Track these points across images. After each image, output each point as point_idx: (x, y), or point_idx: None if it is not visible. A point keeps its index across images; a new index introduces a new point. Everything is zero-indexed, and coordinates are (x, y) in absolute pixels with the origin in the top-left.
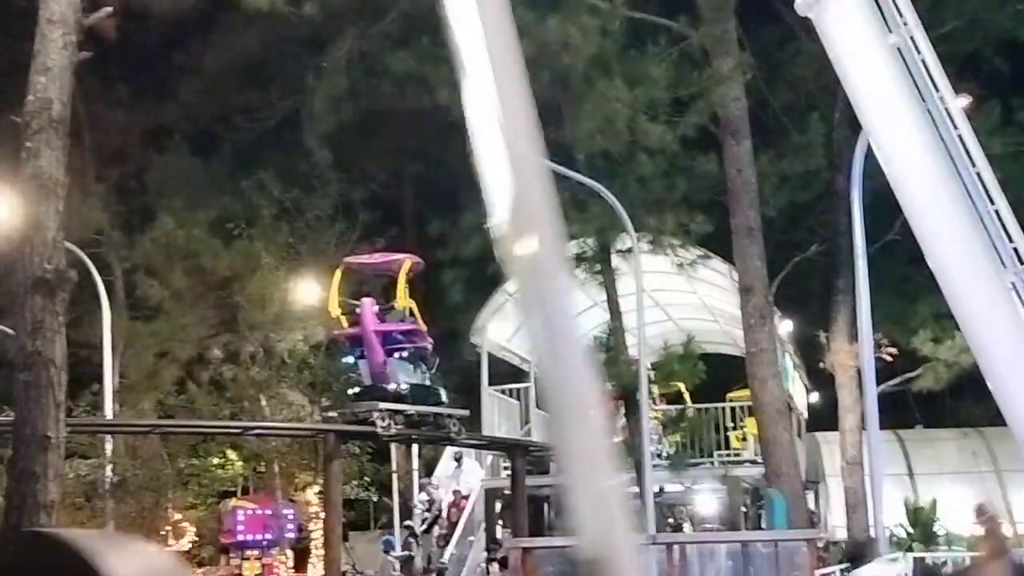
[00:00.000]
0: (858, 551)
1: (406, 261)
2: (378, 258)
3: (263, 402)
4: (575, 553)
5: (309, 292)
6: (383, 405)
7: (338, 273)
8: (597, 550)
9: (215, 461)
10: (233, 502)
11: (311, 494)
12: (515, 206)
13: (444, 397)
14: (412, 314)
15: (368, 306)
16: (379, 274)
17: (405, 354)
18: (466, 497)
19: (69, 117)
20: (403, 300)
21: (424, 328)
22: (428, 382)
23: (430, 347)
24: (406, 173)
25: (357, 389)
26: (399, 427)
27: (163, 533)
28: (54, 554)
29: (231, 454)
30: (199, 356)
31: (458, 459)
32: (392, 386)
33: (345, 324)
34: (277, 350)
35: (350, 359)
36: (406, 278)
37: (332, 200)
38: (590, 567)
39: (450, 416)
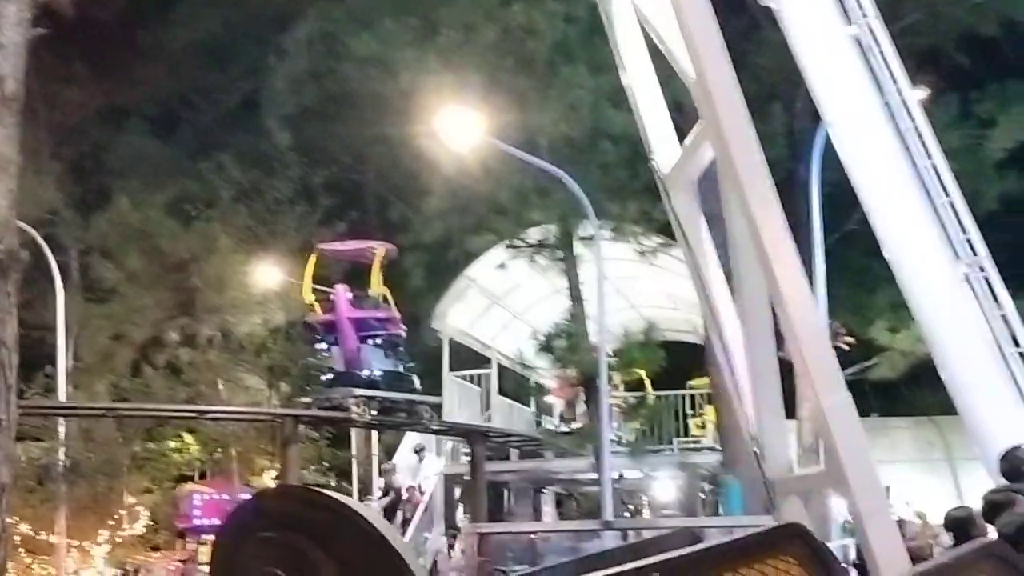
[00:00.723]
0: None
1: (380, 248)
2: (352, 244)
3: (220, 386)
4: None
5: (268, 276)
6: (358, 391)
7: (311, 259)
8: None
9: (171, 445)
10: (189, 487)
11: (269, 479)
12: None
13: (417, 384)
14: (386, 301)
15: (342, 293)
16: (352, 260)
17: (379, 341)
18: (422, 492)
19: (23, 95)
20: (377, 287)
21: (398, 315)
22: (401, 369)
23: (403, 334)
24: (368, 157)
25: (330, 375)
26: (373, 414)
27: (117, 517)
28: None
29: (187, 438)
30: (155, 339)
31: (419, 452)
32: (365, 373)
33: (319, 310)
34: (235, 334)
35: (323, 345)
36: (380, 265)
37: (292, 183)
38: None
39: (422, 403)
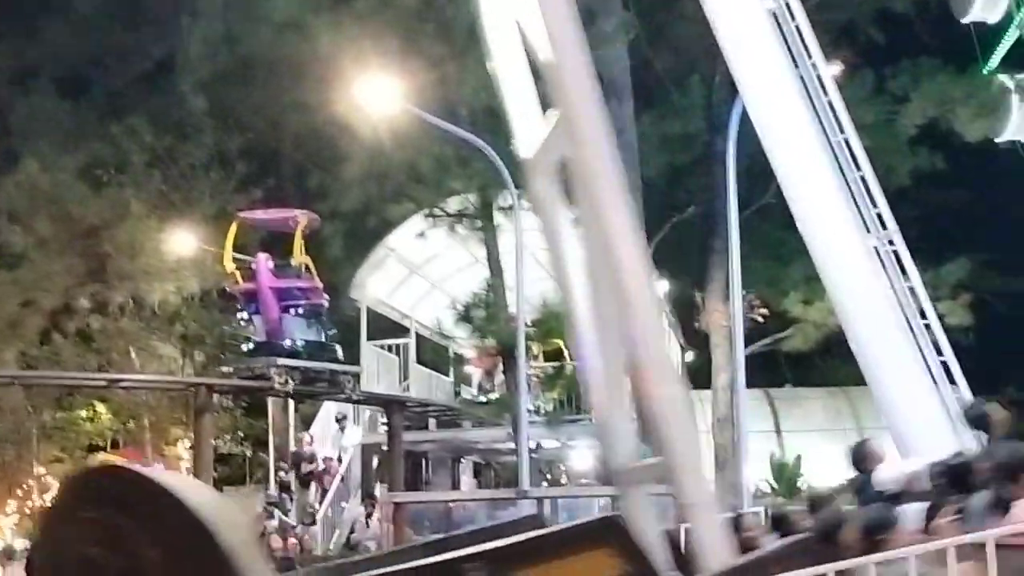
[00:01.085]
0: None
1: (303, 217)
2: (273, 213)
3: (133, 354)
4: None
5: (182, 242)
6: (280, 361)
7: (232, 228)
8: None
9: (82, 414)
10: (101, 456)
11: (182, 448)
12: None
13: (339, 354)
14: (308, 270)
15: (263, 262)
16: (274, 229)
17: (300, 311)
18: (340, 462)
19: None
20: (299, 256)
21: (320, 285)
22: (323, 339)
23: (325, 304)
24: (285, 123)
25: (252, 345)
26: (295, 383)
27: (26, 488)
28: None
29: (99, 407)
30: (65, 306)
31: (340, 421)
32: (287, 342)
33: (239, 279)
34: (148, 301)
35: (244, 315)
36: (302, 234)
37: (207, 149)
38: None
39: (345, 373)
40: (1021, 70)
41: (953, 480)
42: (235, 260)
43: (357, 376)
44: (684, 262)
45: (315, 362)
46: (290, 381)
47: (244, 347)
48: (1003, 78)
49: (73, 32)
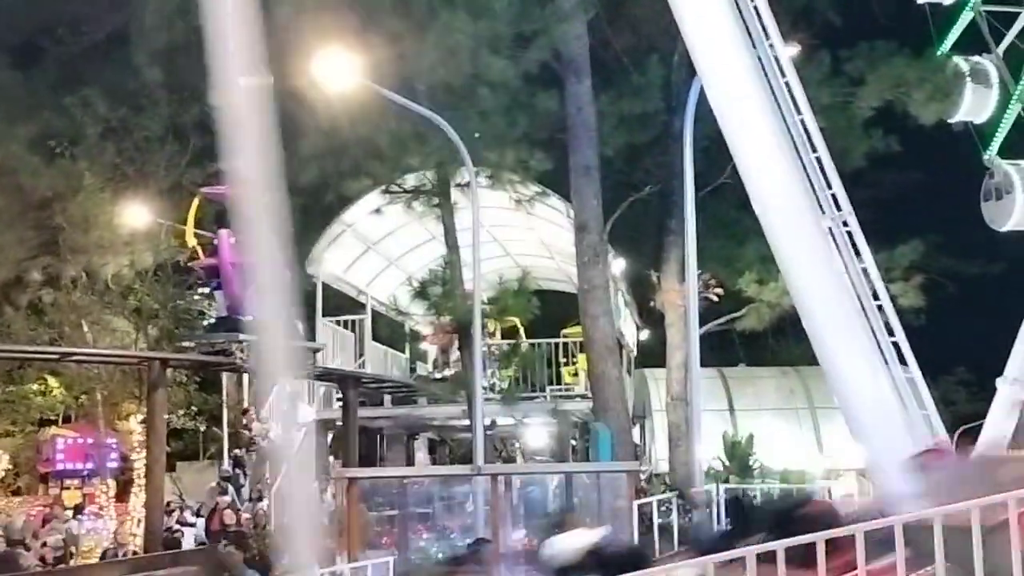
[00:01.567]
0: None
1: None
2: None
3: (85, 328)
4: None
5: (136, 216)
6: (243, 336)
7: (194, 203)
8: None
9: (34, 388)
10: (53, 430)
11: (135, 423)
12: None
13: (300, 330)
14: None
15: (225, 237)
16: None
17: None
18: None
19: None
20: None
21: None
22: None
23: (288, 280)
24: None
25: (213, 320)
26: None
27: None
28: None
29: (51, 381)
30: (17, 279)
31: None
32: (249, 318)
33: (200, 254)
34: (101, 275)
35: (206, 290)
36: None
37: (162, 121)
38: None
39: (304, 349)
40: (974, 53)
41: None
42: (196, 236)
43: (316, 352)
44: (640, 241)
45: None
46: (251, 356)
47: (203, 322)
48: (957, 60)
49: (26, 1)
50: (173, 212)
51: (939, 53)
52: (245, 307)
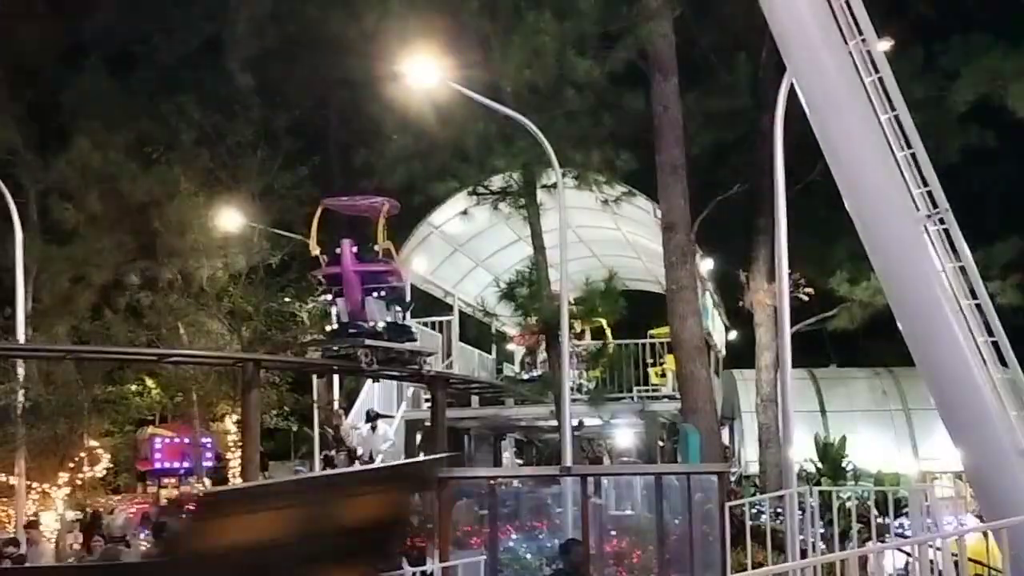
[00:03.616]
0: None
1: (386, 204)
2: (359, 199)
3: (181, 330)
4: None
5: (230, 220)
6: (368, 342)
7: (318, 213)
8: None
9: (132, 388)
10: (150, 430)
11: (230, 423)
12: None
13: (416, 335)
14: (390, 255)
15: (348, 247)
16: (357, 215)
17: (382, 294)
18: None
19: None
20: (382, 241)
21: (401, 269)
22: (402, 321)
23: (407, 287)
24: (331, 100)
25: (336, 326)
26: (379, 363)
27: (77, 460)
28: None
29: (148, 381)
30: (115, 282)
31: (373, 419)
32: (370, 324)
33: (323, 262)
34: (196, 278)
35: (327, 297)
36: (385, 220)
37: (254, 126)
38: None
39: (419, 353)
40: None
41: None
42: (319, 244)
43: (429, 355)
44: (728, 241)
45: (394, 343)
46: (374, 361)
47: (293, 324)
48: None
49: (122, 10)
50: (265, 216)
51: None
52: (366, 313)
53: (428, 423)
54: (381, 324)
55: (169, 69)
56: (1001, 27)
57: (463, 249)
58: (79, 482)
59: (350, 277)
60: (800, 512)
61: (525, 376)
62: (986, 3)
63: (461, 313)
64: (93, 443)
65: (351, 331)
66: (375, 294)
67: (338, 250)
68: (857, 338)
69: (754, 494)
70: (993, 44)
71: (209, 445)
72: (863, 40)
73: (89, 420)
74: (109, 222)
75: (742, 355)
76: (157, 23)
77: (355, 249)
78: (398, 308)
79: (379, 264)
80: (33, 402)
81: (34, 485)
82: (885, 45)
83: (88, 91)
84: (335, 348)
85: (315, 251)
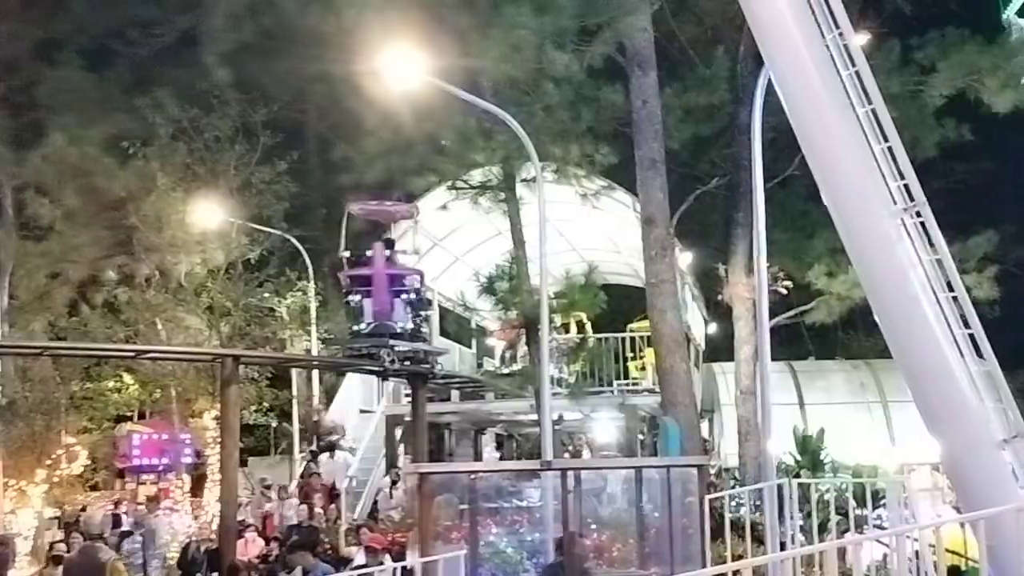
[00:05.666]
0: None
1: (416, 209)
2: (388, 205)
3: (159, 326)
4: None
5: (207, 214)
6: (392, 342)
7: (344, 218)
8: None
9: (110, 385)
10: (129, 426)
11: (209, 419)
12: None
13: (429, 336)
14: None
15: (380, 250)
16: (384, 220)
17: (407, 296)
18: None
19: None
20: (415, 245)
21: (422, 271)
22: (419, 322)
23: (425, 289)
24: (309, 95)
25: (363, 326)
26: (399, 363)
27: (55, 457)
28: None
29: (127, 378)
30: (93, 278)
31: (329, 449)
32: (397, 325)
33: (347, 265)
34: (174, 273)
35: (356, 297)
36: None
37: (231, 121)
38: None
39: (432, 353)
40: None
41: None
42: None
43: (439, 355)
44: (707, 234)
45: (412, 344)
46: (397, 360)
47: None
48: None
49: (97, 3)
50: (243, 210)
51: (1005, 16)
52: (392, 314)
53: (408, 418)
54: (406, 325)
55: (145, 63)
56: (977, 22)
57: (442, 244)
58: (56, 479)
59: (381, 279)
60: (779, 504)
61: (505, 370)
62: None
63: (441, 308)
64: (71, 440)
65: (378, 331)
66: (403, 296)
67: (369, 252)
68: (835, 331)
69: (734, 487)
70: (969, 39)
71: (188, 441)
72: (840, 34)
73: (67, 417)
74: (86, 217)
75: (721, 348)
76: (132, 16)
77: (388, 252)
78: (421, 311)
79: (407, 267)
80: (10, 399)
81: (11, 482)
82: (862, 39)
83: (63, 85)
84: (361, 348)
85: (344, 254)
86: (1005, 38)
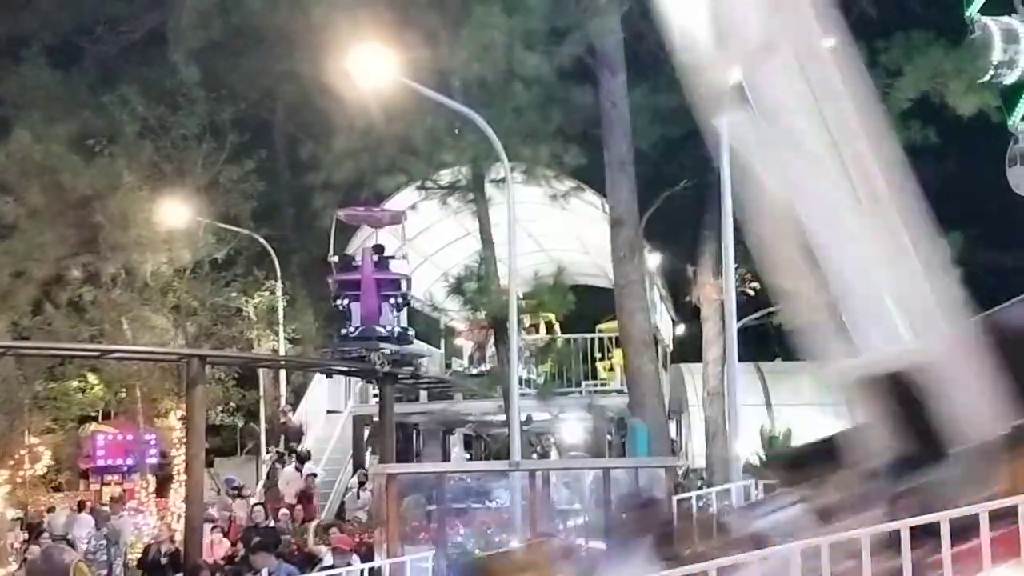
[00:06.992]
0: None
1: (405, 215)
2: (376, 210)
3: (125, 325)
4: None
5: (174, 213)
6: (381, 345)
7: (333, 224)
8: None
9: (74, 384)
10: (93, 426)
11: (174, 419)
12: None
13: (415, 339)
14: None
15: (368, 255)
16: (372, 226)
17: (395, 300)
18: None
19: None
20: (403, 250)
21: (410, 276)
22: (404, 326)
23: (412, 293)
24: (277, 94)
25: (351, 329)
26: (390, 365)
27: (17, 457)
28: None
29: (91, 378)
30: (57, 277)
31: (303, 461)
32: (384, 329)
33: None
34: (140, 272)
35: (344, 302)
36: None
37: (199, 119)
38: None
39: (417, 355)
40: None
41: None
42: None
43: (423, 359)
44: (676, 236)
45: (399, 346)
46: (386, 363)
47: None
48: (986, 20)
49: (64, 1)
50: (211, 209)
51: (968, 14)
52: (380, 318)
53: (376, 418)
54: (395, 328)
55: (112, 60)
56: (942, 25)
57: (411, 244)
58: (19, 480)
59: (369, 284)
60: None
61: (474, 371)
62: (927, 1)
63: (409, 308)
64: (34, 440)
65: (366, 334)
66: (392, 300)
67: (359, 258)
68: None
69: (701, 487)
70: (934, 42)
71: (153, 442)
72: (810, 36)
73: (30, 417)
74: (50, 215)
75: (689, 349)
76: (99, 13)
77: (376, 258)
78: (406, 313)
79: (394, 272)
80: None
81: None
82: (829, 42)
83: (28, 82)
84: (349, 351)
85: (332, 259)
86: (969, 40)
